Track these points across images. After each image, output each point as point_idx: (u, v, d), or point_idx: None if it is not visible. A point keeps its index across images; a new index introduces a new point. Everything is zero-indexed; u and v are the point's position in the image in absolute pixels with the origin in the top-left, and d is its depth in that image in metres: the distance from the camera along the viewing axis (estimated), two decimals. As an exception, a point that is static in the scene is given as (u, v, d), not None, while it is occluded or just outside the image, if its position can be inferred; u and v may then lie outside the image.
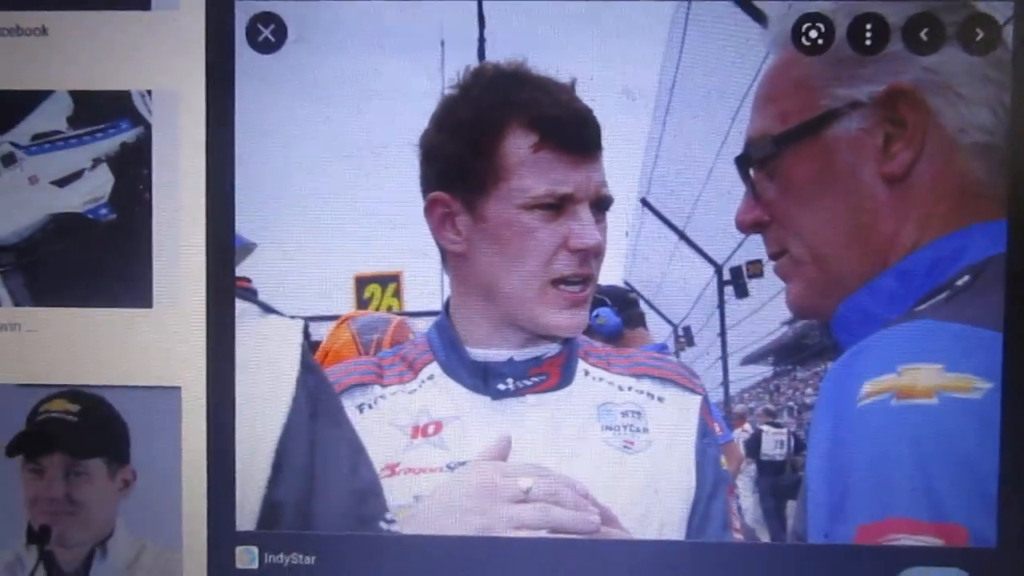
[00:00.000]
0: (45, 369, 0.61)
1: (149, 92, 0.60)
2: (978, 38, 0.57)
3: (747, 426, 0.62)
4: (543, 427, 0.61)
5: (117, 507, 0.62)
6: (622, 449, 0.61)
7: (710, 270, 0.60)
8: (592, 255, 0.60)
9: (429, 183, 0.60)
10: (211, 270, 0.60)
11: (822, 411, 0.58)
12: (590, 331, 0.62)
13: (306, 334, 0.60)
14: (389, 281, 0.61)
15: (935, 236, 0.58)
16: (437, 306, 0.63)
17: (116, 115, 0.60)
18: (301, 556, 0.61)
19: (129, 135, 0.60)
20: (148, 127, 0.60)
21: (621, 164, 0.59)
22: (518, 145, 0.59)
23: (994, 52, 0.57)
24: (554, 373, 0.62)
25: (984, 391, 0.57)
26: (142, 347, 0.61)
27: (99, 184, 0.60)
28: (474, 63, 0.59)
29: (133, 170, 0.60)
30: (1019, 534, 0.58)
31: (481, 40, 0.59)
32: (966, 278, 0.57)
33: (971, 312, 0.57)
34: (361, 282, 0.61)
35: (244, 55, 0.59)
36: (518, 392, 0.62)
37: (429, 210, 0.61)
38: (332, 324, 0.62)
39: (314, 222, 0.60)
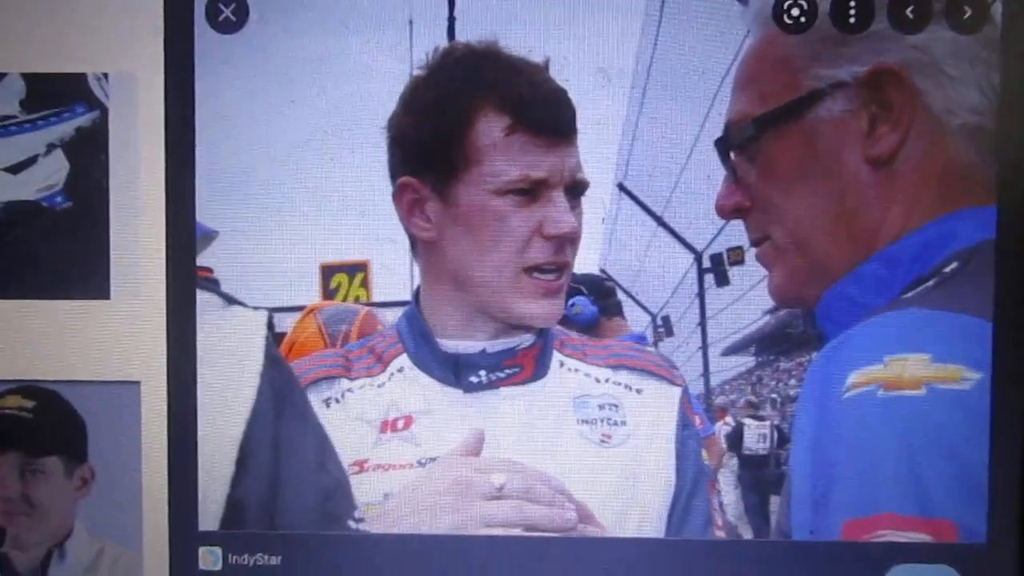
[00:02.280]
0: (-2, 363, 0.59)
1: (105, 75, 0.58)
2: (966, 16, 0.56)
3: (728, 419, 0.60)
4: (517, 421, 0.59)
5: (75, 507, 0.60)
6: (599, 443, 0.59)
7: (689, 257, 0.58)
8: (567, 242, 0.58)
9: (397, 168, 0.58)
10: (171, 260, 0.58)
11: (806, 403, 0.57)
12: (565, 321, 0.60)
13: (270, 326, 0.58)
14: (356, 270, 0.59)
15: (922, 221, 0.56)
16: (406, 296, 0.61)
17: (71, 99, 0.58)
18: (266, 556, 0.59)
19: (85, 119, 0.58)
20: (104, 111, 0.58)
21: (597, 147, 0.57)
22: (490, 128, 0.57)
23: (982, 31, 0.55)
24: (528, 365, 0.60)
25: (973, 382, 0.56)
26: (100, 340, 0.59)
27: (54, 171, 0.58)
28: (444, 43, 0.57)
29: (89, 156, 0.58)
30: (1009, 529, 0.56)
31: (451, 19, 0.57)
32: (954, 265, 0.56)
33: (960, 300, 0.56)
34: (327, 271, 0.59)
35: (204, 35, 0.57)
36: (491, 385, 0.60)
37: (398, 196, 0.59)
38: (297, 315, 0.60)
39: (278, 209, 0.58)
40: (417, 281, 0.61)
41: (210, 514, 0.58)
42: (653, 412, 0.60)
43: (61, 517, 0.60)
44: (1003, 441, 0.56)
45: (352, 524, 0.58)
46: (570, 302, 0.60)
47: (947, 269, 0.56)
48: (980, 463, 0.56)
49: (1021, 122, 0.56)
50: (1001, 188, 0.56)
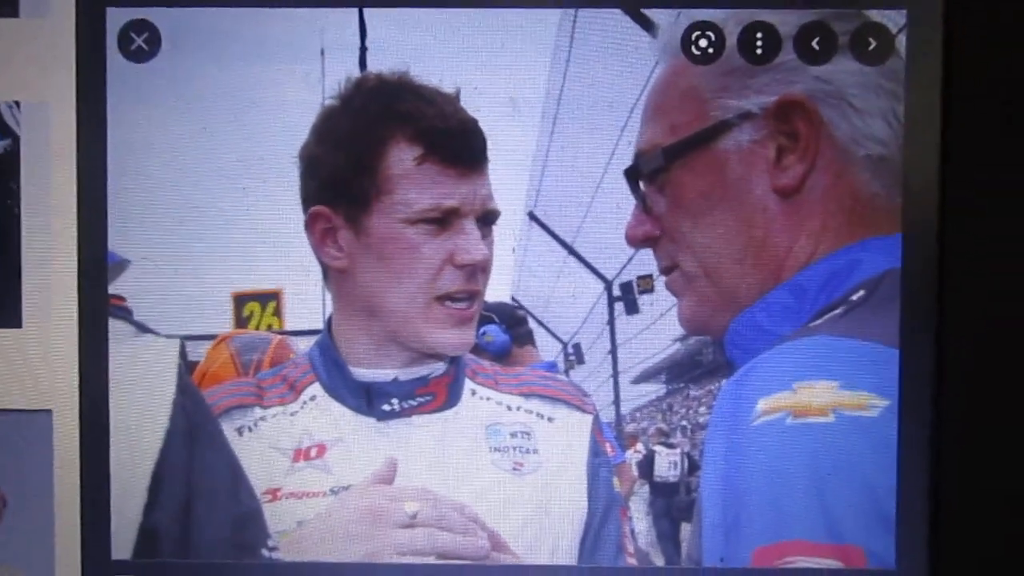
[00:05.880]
0: (-92, 392, 0.59)
1: (17, 103, 0.58)
2: (871, 47, 0.56)
3: (639, 446, 0.60)
4: (430, 449, 0.59)
5: (-13, 536, 0.59)
6: (511, 471, 0.59)
7: (600, 286, 0.59)
8: (479, 270, 0.58)
9: (309, 197, 0.58)
10: (83, 288, 0.58)
11: (716, 430, 0.57)
12: (477, 349, 0.60)
13: (183, 354, 0.58)
14: (269, 299, 0.59)
15: (829, 250, 0.57)
16: (319, 324, 0.61)
17: (-17, 127, 0.58)
18: (180, 585, 0.59)
19: (-4, 147, 0.58)
20: (16, 139, 0.58)
21: (508, 177, 0.58)
22: (401, 158, 0.57)
23: (887, 62, 0.56)
24: (440, 393, 0.60)
25: (880, 409, 0.56)
26: (11, 368, 0.58)
27: (-35, 199, 0.58)
28: (356, 73, 0.57)
29: (1, 184, 0.58)
30: (917, 555, 0.57)
31: (363, 49, 0.57)
32: (861, 293, 0.56)
33: (867, 328, 0.56)
34: (240, 300, 0.59)
35: (116, 64, 0.57)
36: (404, 413, 0.60)
37: (310, 225, 0.59)
38: (210, 344, 0.60)
39: (190, 238, 0.58)
40: (330, 310, 0.60)
41: (123, 542, 0.58)
42: (564, 440, 0.60)
43: (-27, 546, 0.60)
44: (910, 467, 0.56)
45: (266, 553, 0.58)
46: (481, 330, 0.60)
47: (854, 297, 0.56)
48: (888, 489, 0.56)
49: (925, 153, 0.56)
50: (906, 218, 0.56)
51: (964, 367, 0.57)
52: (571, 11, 0.57)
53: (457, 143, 0.57)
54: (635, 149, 0.58)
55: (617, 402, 0.60)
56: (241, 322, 0.59)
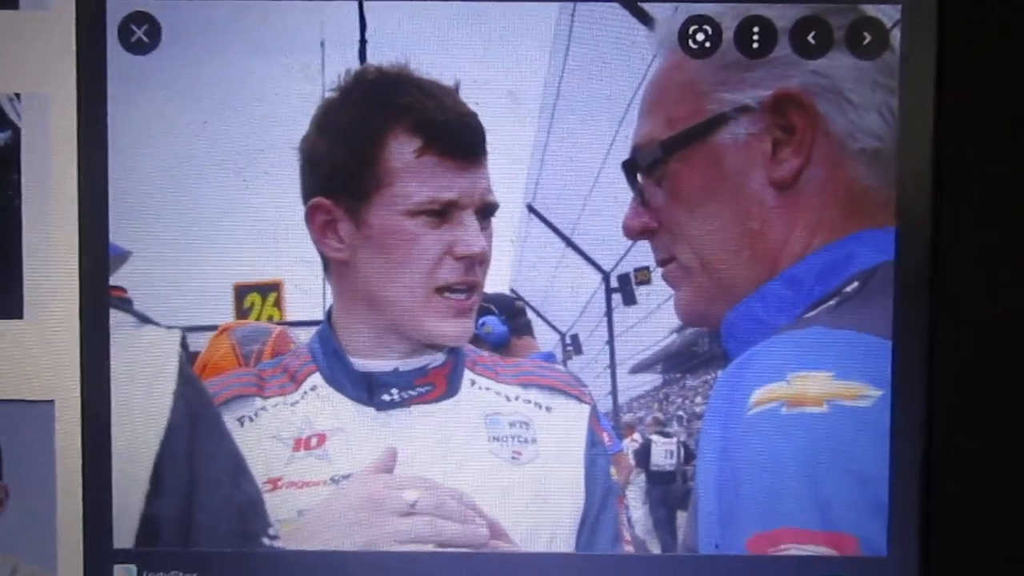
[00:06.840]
0: (-90, 383, 0.59)
1: (18, 95, 0.57)
2: (866, 42, 0.57)
3: (636, 436, 0.61)
4: (429, 438, 0.60)
5: (-11, 525, 0.60)
6: (510, 460, 0.60)
7: (597, 277, 0.59)
8: (477, 262, 0.59)
9: (310, 189, 0.59)
10: (84, 279, 0.58)
11: (712, 420, 0.58)
12: (476, 340, 0.61)
13: (184, 345, 0.58)
14: (269, 290, 0.59)
15: (824, 242, 0.57)
16: (319, 315, 0.61)
17: (-18, 118, 0.58)
18: (182, 574, 0.59)
19: (-3, 139, 0.58)
20: (17, 131, 0.58)
21: (506, 169, 0.58)
22: (401, 150, 0.58)
23: (882, 56, 0.57)
24: (440, 383, 0.60)
25: (873, 399, 0.57)
26: (13, 359, 0.58)
27: (-35, 190, 0.58)
28: (355, 65, 0.57)
29: (1, 176, 0.58)
30: (909, 543, 0.58)
31: (362, 41, 0.57)
32: (855, 284, 0.57)
33: (860, 319, 0.57)
34: (240, 291, 0.59)
35: (117, 56, 0.57)
36: (403, 403, 0.60)
37: (310, 217, 0.59)
38: (211, 334, 0.60)
39: (191, 229, 0.58)
40: (330, 301, 0.61)
41: (125, 532, 0.58)
42: (562, 429, 0.60)
43: (-25, 536, 0.60)
44: (903, 456, 0.57)
45: (267, 541, 0.59)
46: (480, 321, 0.60)
47: (848, 289, 0.57)
48: (881, 478, 0.57)
49: (919, 147, 0.57)
50: (900, 211, 0.57)
51: (956, 358, 0.58)
52: (569, 5, 0.57)
53: (456, 136, 0.57)
54: (633, 142, 0.58)
55: (614, 392, 0.60)
56: (242, 313, 0.59)
